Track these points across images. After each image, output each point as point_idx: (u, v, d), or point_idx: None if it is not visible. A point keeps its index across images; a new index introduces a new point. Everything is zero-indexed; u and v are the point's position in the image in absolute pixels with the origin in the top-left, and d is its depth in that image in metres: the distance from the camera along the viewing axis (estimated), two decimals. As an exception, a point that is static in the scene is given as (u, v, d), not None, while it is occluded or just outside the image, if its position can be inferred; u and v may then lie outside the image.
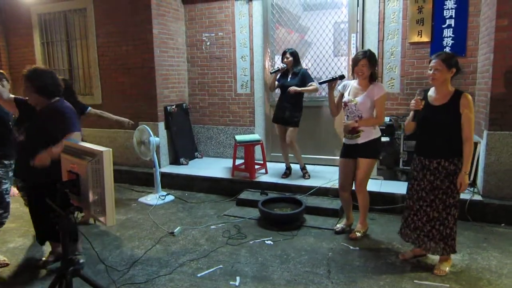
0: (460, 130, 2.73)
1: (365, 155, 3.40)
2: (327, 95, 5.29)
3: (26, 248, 3.54)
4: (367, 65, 3.26)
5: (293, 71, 4.75)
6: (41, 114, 2.81)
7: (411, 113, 2.95)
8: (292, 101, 4.71)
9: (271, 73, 4.83)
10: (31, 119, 2.82)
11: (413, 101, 2.85)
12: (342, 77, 3.56)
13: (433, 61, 2.74)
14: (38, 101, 2.81)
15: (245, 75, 5.88)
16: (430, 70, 2.76)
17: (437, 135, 2.80)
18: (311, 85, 4.67)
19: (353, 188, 3.61)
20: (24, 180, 2.99)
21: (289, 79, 4.76)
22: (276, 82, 4.91)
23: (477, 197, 3.98)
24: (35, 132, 2.78)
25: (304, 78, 4.70)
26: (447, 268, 2.91)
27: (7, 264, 3.21)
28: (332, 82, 3.53)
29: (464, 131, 2.71)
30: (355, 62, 3.30)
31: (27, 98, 2.84)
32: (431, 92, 2.86)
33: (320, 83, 3.77)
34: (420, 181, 2.92)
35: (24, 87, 2.78)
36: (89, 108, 4.19)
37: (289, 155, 5.01)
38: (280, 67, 4.73)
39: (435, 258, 3.06)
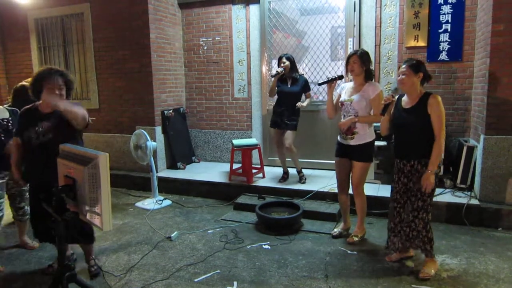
0: (431, 131, 2.78)
1: (358, 159, 3.43)
2: (323, 99, 5.37)
3: (21, 254, 3.51)
4: (358, 61, 3.34)
5: (292, 77, 4.72)
6: (55, 116, 2.76)
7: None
8: (289, 106, 4.72)
9: (272, 76, 4.77)
10: (37, 124, 2.76)
11: (385, 96, 2.97)
12: (341, 77, 3.58)
13: (402, 66, 2.87)
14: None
15: (242, 80, 5.89)
16: (399, 75, 2.88)
17: (409, 137, 2.89)
18: (308, 95, 4.78)
19: (350, 191, 3.62)
20: (35, 183, 2.92)
21: (289, 85, 4.75)
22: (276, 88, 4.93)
23: (474, 201, 3.98)
24: (56, 131, 2.73)
25: (306, 86, 4.76)
26: (432, 271, 2.91)
27: (1, 271, 3.18)
28: (331, 82, 3.56)
29: (434, 130, 2.76)
30: (347, 59, 3.43)
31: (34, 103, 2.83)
32: (405, 97, 2.96)
33: (320, 84, 3.79)
34: (396, 184, 3.01)
35: (58, 87, 2.72)
36: None
37: (286, 159, 5.01)
38: (278, 70, 4.70)
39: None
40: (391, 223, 3.06)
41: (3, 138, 3.19)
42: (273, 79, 4.76)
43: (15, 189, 3.46)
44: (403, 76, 2.83)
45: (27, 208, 3.53)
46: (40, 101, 2.79)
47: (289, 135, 4.74)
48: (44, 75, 2.73)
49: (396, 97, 2.98)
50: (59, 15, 6.14)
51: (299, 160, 4.99)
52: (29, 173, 2.90)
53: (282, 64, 4.68)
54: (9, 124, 3.29)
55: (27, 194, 3.51)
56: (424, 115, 2.78)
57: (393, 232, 3.04)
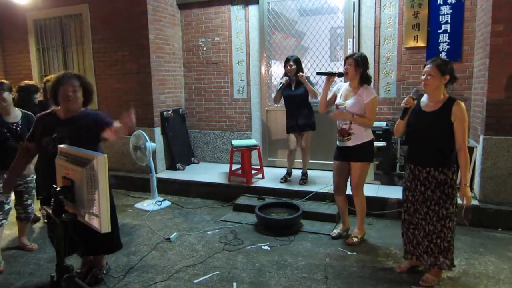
0: (451, 139, 2.65)
1: (357, 159, 3.42)
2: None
3: (20, 256, 3.50)
4: (353, 64, 3.33)
5: (296, 80, 4.70)
6: (74, 122, 2.71)
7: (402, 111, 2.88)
8: (299, 108, 4.71)
9: (278, 89, 4.75)
10: (54, 131, 2.67)
11: (405, 99, 2.80)
12: (340, 74, 3.55)
13: (427, 66, 2.68)
14: (78, 107, 2.74)
15: (241, 80, 5.88)
16: (423, 75, 2.70)
17: (427, 143, 2.74)
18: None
19: (349, 192, 3.61)
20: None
21: (293, 89, 4.74)
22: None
23: (474, 202, 3.97)
24: (73, 139, 2.60)
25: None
26: (436, 280, 2.82)
27: (2, 271, 3.17)
28: (330, 76, 3.56)
29: (457, 140, 2.63)
30: (344, 61, 3.45)
31: (54, 108, 2.79)
32: (424, 98, 2.80)
33: (318, 74, 3.80)
34: (414, 192, 2.84)
35: (72, 89, 2.66)
36: None
37: (296, 160, 5.04)
38: (283, 81, 4.69)
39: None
40: (418, 236, 2.84)
41: (12, 141, 3.25)
42: (278, 89, 4.76)
43: (23, 186, 3.45)
44: (428, 77, 2.64)
45: (33, 206, 3.55)
46: (58, 107, 2.74)
47: (309, 134, 4.80)
48: (59, 79, 2.69)
49: (415, 98, 2.79)
50: (58, 16, 6.13)
51: (298, 160, 5.01)
52: (42, 184, 2.86)
53: (288, 67, 4.65)
54: (18, 129, 3.33)
55: (34, 190, 3.56)
56: (446, 122, 2.62)
57: (422, 246, 2.82)
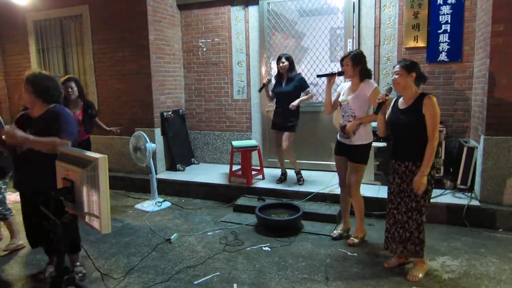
0: (426, 133, 2.75)
1: (352, 159, 3.45)
2: (323, 101, 5.35)
3: (21, 256, 3.49)
4: (350, 63, 3.37)
5: (287, 77, 4.72)
6: (39, 121, 2.77)
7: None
8: (285, 106, 4.69)
9: (258, 91, 4.99)
10: (27, 129, 2.74)
11: (379, 95, 2.97)
12: (341, 73, 3.54)
13: (396, 67, 2.88)
14: (35, 105, 2.77)
15: (241, 81, 5.88)
16: (393, 76, 2.88)
17: (403, 138, 2.89)
18: (307, 92, 4.70)
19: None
20: (23, 191, 2.92)
21: (283, 85, 4.74)
22: (271, 92, 4.94)
23: (475, 202, 3.97)
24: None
25: (301, 84, 4.70)
26: (420, 274, 2.89)
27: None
28: (330, 76, 3.57)
29: (427, 131, 2.74)
30: (341, 62, 3.48)
31: (24, 106, 2.83)
32: (401, 98, 2.96)
33: (318, 76, 3.81)
34: (391, 185, 3.00)
35: (24, 90, 2.75)
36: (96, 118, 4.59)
37: (285, 160, 4.99)
38: (264, 82, 4.89)
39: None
40: (387, 224, 3.06)
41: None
42: (259, 90, 4.96)
43: None
44: (396, 76, 2.84)
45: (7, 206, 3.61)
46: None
47: (285, 136, 4.69)
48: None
49: (390, 96, 2.96)
50: (58, 17, 6.12)
51: (299, 161, 4.98)
52: (15, 181, 2.91)
53: (280, 64, 4.67)
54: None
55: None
56: (418, 115, 2.77)
57: (389, 233, 3.04)
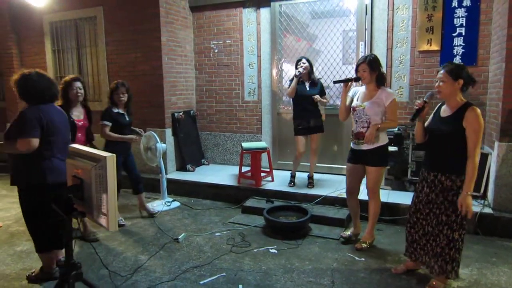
0: (463, 145, 2.56)
1: (372, 163, 3.37)
2: (334, 103, 5.33)
3: (32, 252, 3.54)
4: (367, 69, 3.27)
5: (310, 80, 4.73)
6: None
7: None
8: (311, 108, 4.71)
9: (295, 76, 4.64)
10: None
11: (417, 101, 2.80)
12: (357, 79, 3.46)
13: (440, 72, 2.66)
14: (24, 105, 2.84)
15: (252, 83, 5.89)
16: (437, 82, 2.68)
17: (439, 147, 2.71)
18: (324, 97, 4.79)
19: (362, 196, 3.57)
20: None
21: (308, 88, 4.72)
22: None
23: (488, 210, 3.88)
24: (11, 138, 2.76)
25: (322, 90, 4.79)
26: (441, 287, 2.77)
27: None
28: (347, 82, 3.50)
29: (468, 147, 2.54)
30: (356, 67, 3.37)
31: None
32: (444, 105, 2.77)
33: (335, 82, 3.72)
34: (419, 193, 2.85)
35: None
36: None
37: (302, 163, 5.04)
38: (300, 70, 4.62)
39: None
40: (416, 235, 2.88)
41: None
42: (294, 80, 4.66)
43: None
44: (441, 83, 2.62)
45: None
46: None
47: (318, 137, 4.81)
48: None
49: (429, 102, 2.77)
50: (73, 19, 6.24)
51: (307, 164, 4.97)
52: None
53: (302, 65, 4.64)
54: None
55: None
56: (458, 127, 2.56)
57: (419, 244, 2.87)
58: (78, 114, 3.79)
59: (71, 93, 3.68)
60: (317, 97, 4.66)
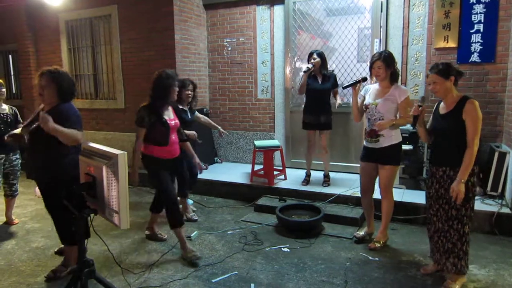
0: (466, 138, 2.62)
1: (385, 162, 3.33)
2: (348, 101, 5.26)
3: (47, 248, 3.61)
4: (383, 66, 3.22)
5: (322, 74, 4.65)
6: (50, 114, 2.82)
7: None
8: (323, 104, 4.66)
9: (304, 72, 4.56)
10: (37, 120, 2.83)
11: (413, 108, 2.83)
12: (364, 79, 3.48)
13: (430, 76, 2.73)
14: (52, 101, 2.86)
15: (265, 81, 5.86)
16: (429, 84, 2.74)
17: (443, 143, 2.77)
18: (336, 91, 4.74)
19: (376, 195, 3.53)
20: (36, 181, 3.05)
21: (320, 82, 4.66)
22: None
23: (506, 210, 3.79)
24: (38, 133, 2.80)
25: (335, 82, 4.72)
26: (457, 287, 2.72)
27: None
28: (355, 85, 3.46)
29: (467, 137, 2.60)
30: (371, 64, 3.32)
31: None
32: (442, 103, 2.82)
33: (344, 88, 3.67)
34: (430, 189, 2.87)
35: (42, 84, 2.82)
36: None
37: (314, 161, 5.00)
38: (309, 66, 4.55)
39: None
40: (429, 232, 2.92)
41: (2, 128, 3.85)
42: (303, 75, 4.62)
43: (9, 168, 4.04)
44: (434, 85, 2.69)
45: (17, 186, 4.19)
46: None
47: (327, 134, 4.76)
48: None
49: (423, 105, 2.81)
50: (88, 17, 6.31)
51: (321, 162, 4.92)
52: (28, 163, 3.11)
53: (312, 60, 4.59)
54: (8, 118, 3.97)
55: (19, 172, 4.17)
56: (458, 121, 2.62)
57: (432, 241, 2.89)
58: (168, 113, 3.47)
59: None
60: (338, 102, 4.62)
